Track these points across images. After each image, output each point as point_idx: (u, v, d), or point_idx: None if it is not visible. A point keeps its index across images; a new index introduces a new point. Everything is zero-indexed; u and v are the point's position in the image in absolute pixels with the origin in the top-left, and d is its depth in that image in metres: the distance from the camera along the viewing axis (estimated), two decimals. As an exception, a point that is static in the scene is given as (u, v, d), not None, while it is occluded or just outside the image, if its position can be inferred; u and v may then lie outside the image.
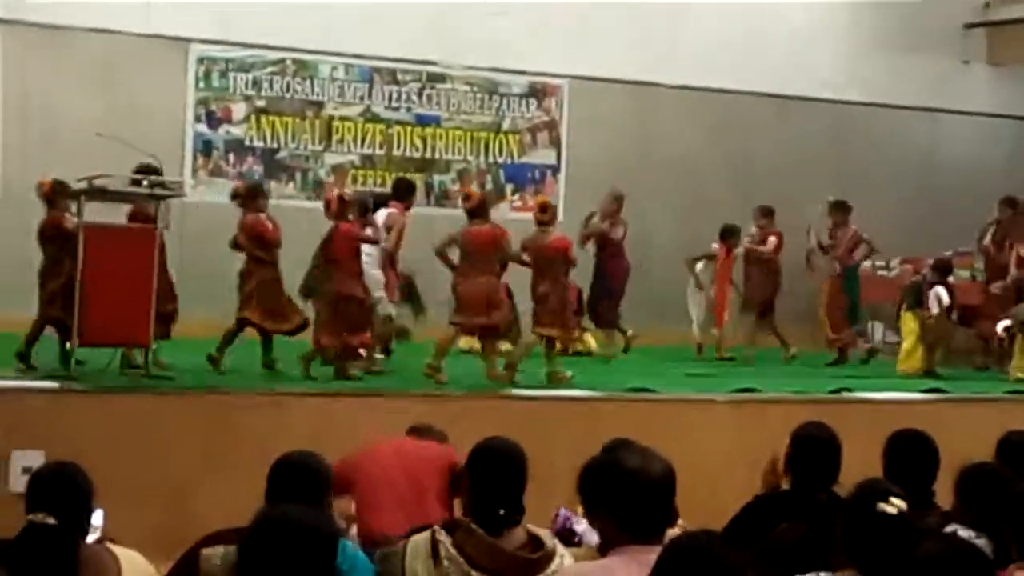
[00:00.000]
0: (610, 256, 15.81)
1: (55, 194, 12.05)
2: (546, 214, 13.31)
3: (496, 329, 12.87)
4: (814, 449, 6.29)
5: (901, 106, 20.16)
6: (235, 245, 12.87)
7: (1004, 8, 20.34)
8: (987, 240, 16.46)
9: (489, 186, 17.87)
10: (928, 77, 20.31)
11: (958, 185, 19.77)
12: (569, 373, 13.00)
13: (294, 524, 4.12)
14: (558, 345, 13.42)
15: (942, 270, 15.85)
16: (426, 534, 4.97)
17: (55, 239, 11.93)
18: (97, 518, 5.42)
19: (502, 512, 4.94)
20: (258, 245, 12.68)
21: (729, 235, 16.43)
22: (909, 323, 15.78)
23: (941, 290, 15.53)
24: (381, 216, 13.66)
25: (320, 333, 12.37)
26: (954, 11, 20.31)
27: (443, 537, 4.90)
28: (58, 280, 11.78)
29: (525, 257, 13.16)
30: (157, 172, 12.13)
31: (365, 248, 12.91)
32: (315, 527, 4.14)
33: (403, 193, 14.19)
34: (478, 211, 12.91)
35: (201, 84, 16.62)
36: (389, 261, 13.62)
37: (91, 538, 5.15)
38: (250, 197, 13.05)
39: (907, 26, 19.78)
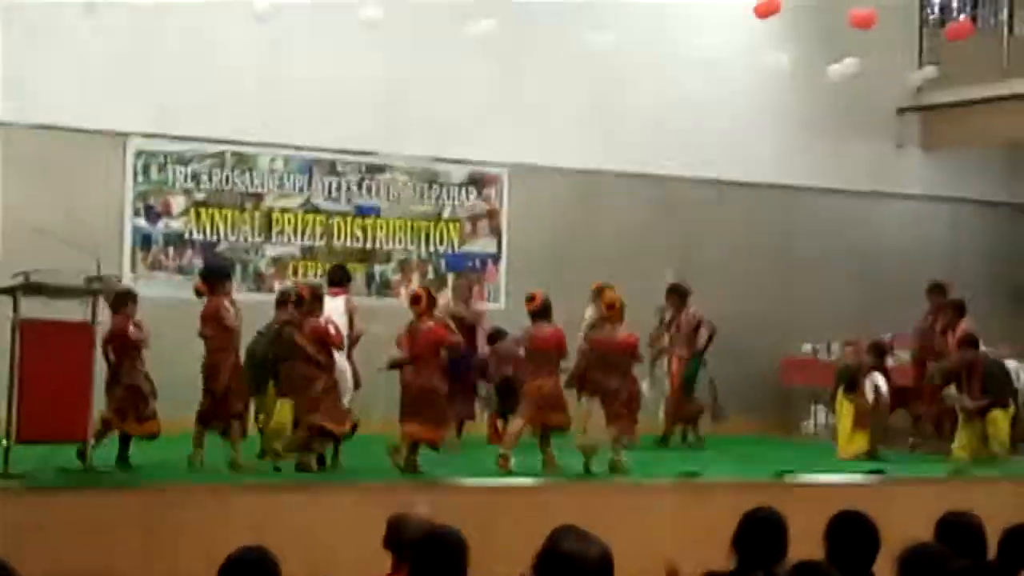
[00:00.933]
0: None
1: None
2: (613, 311, 13.68)
3: (562, 428, 13.18)
4: (759, 530, 6.33)
5: (839, 190, 20.35)
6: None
7: (935, 93, 20.61)
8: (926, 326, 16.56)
9: (430, 276, 17.88)
10: (865, 161, 20.54)
11: (898, 267, 19.94)
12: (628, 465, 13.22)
13: None
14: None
15: (877, 352, 15.96)
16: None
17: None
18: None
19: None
20: (322, 349, 12.68)
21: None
22: (844, 407, 15.83)
23: (878, 377, 15.63)
24: (337, 306, 13.57)
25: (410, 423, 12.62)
26: (888, 96, 20.56)
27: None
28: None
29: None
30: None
31: None
32: None
33: (344, 279, 14.22)
34: (541, 312, 13.29)
35: (139, 178, 16.57)
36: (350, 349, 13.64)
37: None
38: (315, 300, 12.96)
39: (843, 111, 19.99)
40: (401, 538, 6.89)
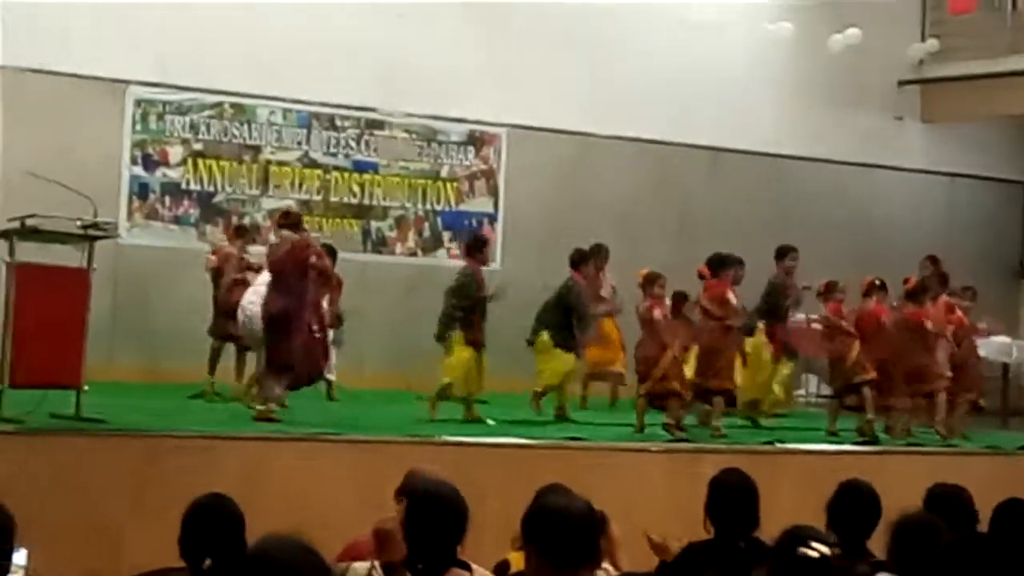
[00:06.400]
0: None
1: None
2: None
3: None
4: (731, 496, 6.35)
5: (836, 161, 20.35)
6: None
7: (937, 66, 20.61)
8: None
9: (427, 233, 17.87)
10: (863, 133, 20.53)
11: (892, 239, 19.95)
12: None
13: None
14: None
15: None
16: (366, 563, 4.98)
17: None
18: (20, 557, 5.34)
19: (420, 567, 4.92)
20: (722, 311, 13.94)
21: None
22: None
23: None
24: None
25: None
26: (889, 68, 20.55)
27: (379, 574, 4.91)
28: None
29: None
30: None
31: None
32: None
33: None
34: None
35: (138, 126, 16.53)
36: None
37: (14, 577, 5.08)
38: (719, 266, 14.14)
39: (843, 82, 19.98)
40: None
